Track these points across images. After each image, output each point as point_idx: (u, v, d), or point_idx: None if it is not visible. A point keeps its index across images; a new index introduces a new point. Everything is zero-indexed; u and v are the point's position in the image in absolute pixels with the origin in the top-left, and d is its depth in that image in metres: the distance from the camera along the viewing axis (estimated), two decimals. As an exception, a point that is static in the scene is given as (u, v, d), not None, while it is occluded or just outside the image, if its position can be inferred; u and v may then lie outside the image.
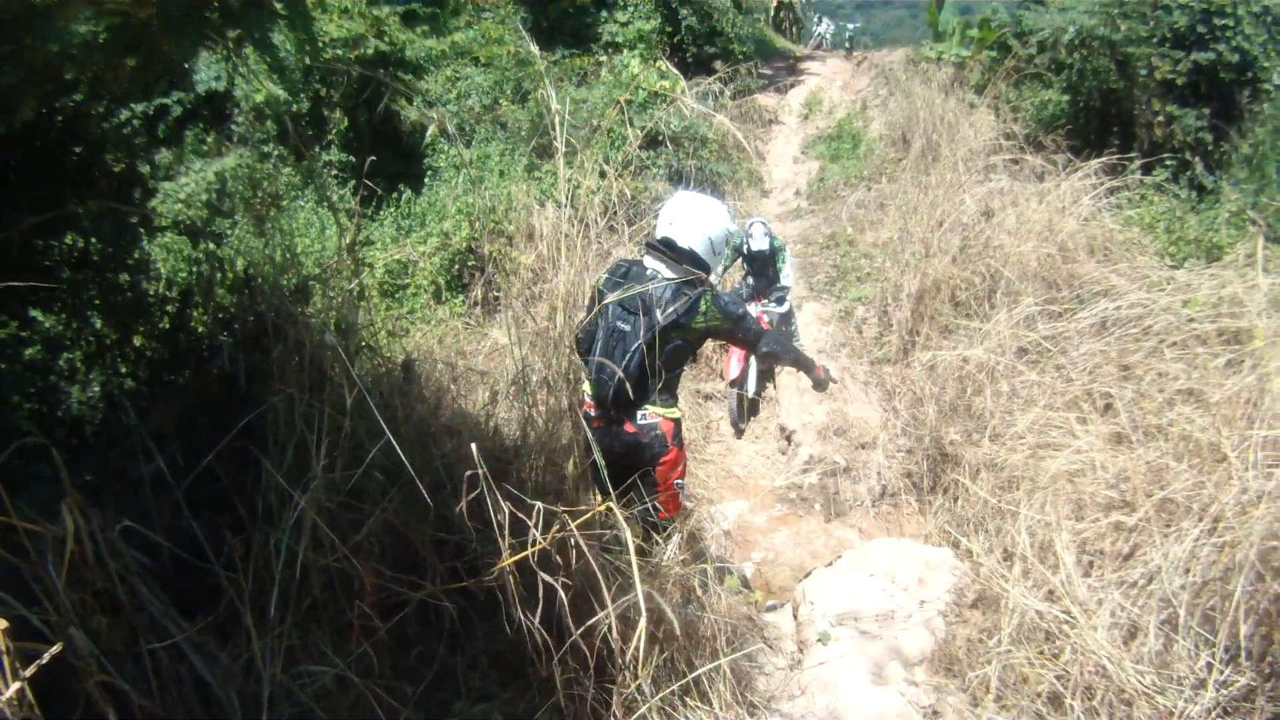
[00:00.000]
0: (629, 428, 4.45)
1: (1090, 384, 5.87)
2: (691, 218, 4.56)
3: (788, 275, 9.54)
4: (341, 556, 3.35)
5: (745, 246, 9.45)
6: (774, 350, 4.66)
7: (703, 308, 4.36)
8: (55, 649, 2.37)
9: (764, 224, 9.53)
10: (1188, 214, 10.66)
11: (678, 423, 4.59)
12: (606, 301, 4.43)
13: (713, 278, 4.65)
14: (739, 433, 9.32)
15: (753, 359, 9.13)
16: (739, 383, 9.19)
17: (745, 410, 9.43)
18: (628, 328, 4.35)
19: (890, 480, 7.58)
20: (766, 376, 9.93)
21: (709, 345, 9.55)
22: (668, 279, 4.40)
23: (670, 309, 4.30)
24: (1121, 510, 4.75)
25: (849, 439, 8.21)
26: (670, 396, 4.55)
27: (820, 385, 5.11)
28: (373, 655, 3.38)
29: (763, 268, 9.55)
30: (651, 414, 4.45)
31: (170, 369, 4.45)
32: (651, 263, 4.51)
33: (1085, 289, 7.58)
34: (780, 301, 9.42)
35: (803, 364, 5.00)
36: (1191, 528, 4.13)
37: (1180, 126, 12.58)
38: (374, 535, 3.61)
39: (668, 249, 4.52)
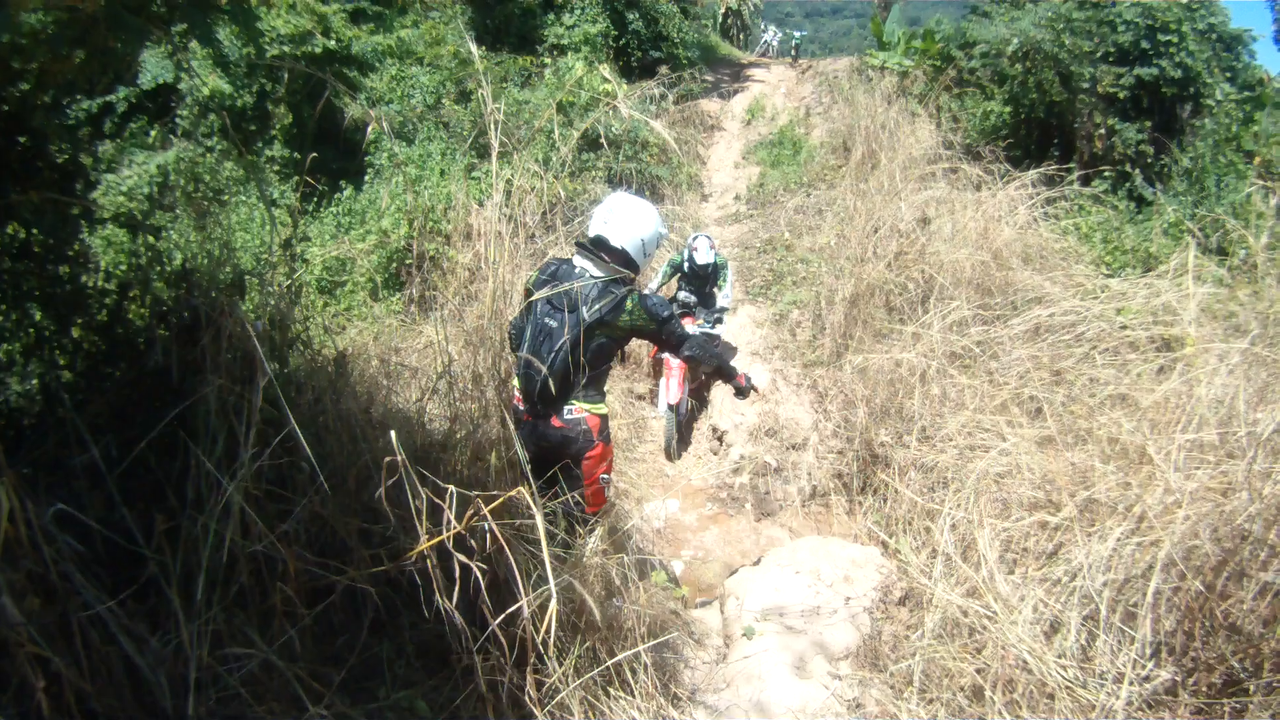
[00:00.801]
0: (556, 422, 4.53)
1: (1020, 388, 5.96)
2: (625, 218, 4.66)
3: (727, 296, 9.47)
4: (268, 543, 3.40)
5: (688, 261, 9.30)
6: (696, 354, 4.75)
7: (629, 306, 4.47)
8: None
9: (709, 238, 9.39)
10: (1125, 224, 10.89)
11: (604, 418, 4.67)
12: (534, 298, 4.52)
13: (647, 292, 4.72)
14: (670, 456, 9.02)
15: (686, 384, 9.03)
16: (679, 406, 8.89)
17: (677, 437, 9.12)
18: (555, 324, 4.44)
19: (820, 481, 7.68)
20: (698, 396, 9.75)
21: (638, 344, 9.52)
22: (595, 277, 4.50)
23: (596, 306, 4.40)
24: (1046, 510, 4.84)
25: (780, 440, 8.28)
26: (597, 393, 4.64)
27: (742, 393, 5.23)
28: (297, 641, 3.43)
29: (702, 285, 9.46)
30: (578, 409, 4.54)
31: (107, 361, 4.47)
32: (581, 261, 4.60)
33: (1019, 296, 7.70)
34: (718, 323, 9.32)
35: (725, 370, 5.12)
36: (1115, 527, 4.21)
37: (1121, 139, 12.76)
38: (301, 524, 3.65)
39: (599, 247, 4.62)
